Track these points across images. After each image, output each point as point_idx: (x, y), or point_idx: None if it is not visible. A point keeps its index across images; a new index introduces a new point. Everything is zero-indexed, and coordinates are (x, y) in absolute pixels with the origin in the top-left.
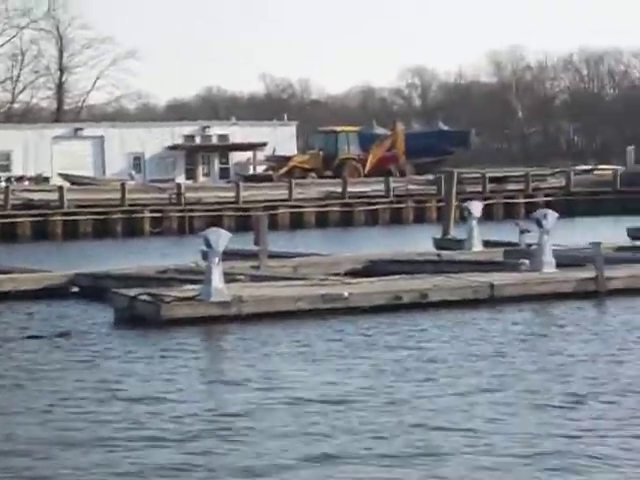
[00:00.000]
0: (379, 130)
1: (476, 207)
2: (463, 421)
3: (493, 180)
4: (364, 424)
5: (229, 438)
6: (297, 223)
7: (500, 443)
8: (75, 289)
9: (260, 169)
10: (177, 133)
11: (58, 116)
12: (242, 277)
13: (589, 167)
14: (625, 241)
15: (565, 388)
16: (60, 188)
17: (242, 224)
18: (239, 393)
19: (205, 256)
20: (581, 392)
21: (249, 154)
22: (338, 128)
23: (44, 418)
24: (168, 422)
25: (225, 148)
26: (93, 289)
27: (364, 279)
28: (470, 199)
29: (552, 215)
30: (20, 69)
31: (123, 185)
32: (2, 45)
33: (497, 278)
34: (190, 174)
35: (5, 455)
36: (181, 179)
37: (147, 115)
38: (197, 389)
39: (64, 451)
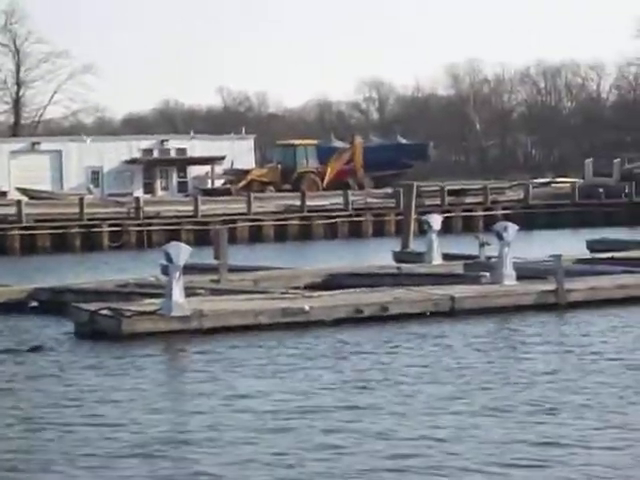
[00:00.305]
0: (337, 143)
1: (436, 220)
2: (427, 431)
3: (452, 193)
4: (327, 435)
5: (191, 450)
6: (256, 237)
7: (465, 452)
8: (34, 303)
9: (218, 183)
10: (135, 147)
11: (15, 130)
12: (202, 291)
13: (547, 180)
14: (584, 253)
15: (527, 399)
16: (18, 202)
17: (201, 238)
18: (200, 406)
19: (165, 270)
20: (543, 403)
21: (207, 168)
22: (296, 141)
23: (4, 435)
24: (130, 435)
25: (183, 162)
26: (52, 303)
27: (324, 292)
28: (429, 212)
29: (512, 227)
30: None
31: (81, 199)
32: None
33: (458, 291)
34: (148, 188)
35: None
36: (139, 193)
37: (104, 129)
38: (159, 403)
39: (26, 467)
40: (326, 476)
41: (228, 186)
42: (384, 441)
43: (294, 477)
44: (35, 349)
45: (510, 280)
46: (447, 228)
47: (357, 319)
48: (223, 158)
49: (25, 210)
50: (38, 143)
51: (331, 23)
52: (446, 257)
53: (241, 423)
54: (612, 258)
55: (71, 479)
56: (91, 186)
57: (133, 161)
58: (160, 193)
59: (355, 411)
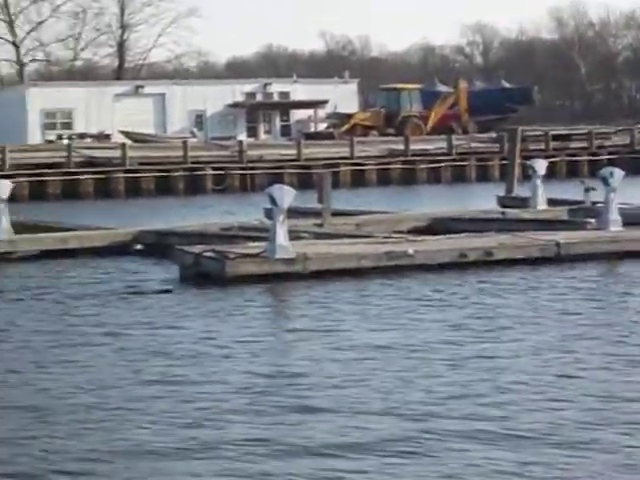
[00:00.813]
0: (441, 87)
1: (540, 165)
2: (530, 379)
3: (556, 138)
4: (427, 379)
5: (297, 390)
6: (359, 181)
7: (575, 398)
8: (139, 246)
9: (321, 127)
10: (238, 91)
11: (119, 74)
12: (306, 235)
13: None
14: None
15: (632, 350)
16: (122, 146)
17: (303, 182)
18: (302, 348)
19: (269, 213)
20: None
21: (310, 112)
22: (400, 85)
23: (118, 376)
24: (235, 376)
25: (286, 106)
26: (157, 246)
27: (428, 237)
28: (533, 157)
29: (618, 172)
30: (82, 27)
31: (185, 143)
32: (64, 3)
33: (563, 236)
34: (251, 132)
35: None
36: (242, 137)
37: (207, 73)
38: (262, 344)
39: (139, 407)
40: (431, 416)
41: (331, 130)
42: (488, 386)
43: (403, 417)
44: (165, 291)
45: (616, 226)
46: (551, 173)
47: (461, 264)
48: (326, 102)
49: (129, 153)
50: (142, 86)
51: None
52: (551, 202)
53: (346, 364)
54: None
55: (177, 419)
56: (195, 129)
57: (236, 105)
58: (263, 137)
59: (457, 355)
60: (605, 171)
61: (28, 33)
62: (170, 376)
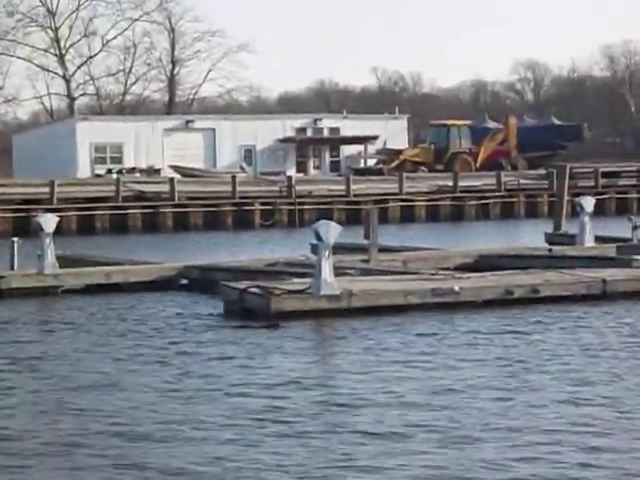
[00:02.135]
0: (491, 124)
1: (588, 202)
2: (564, 412)
3: (606, 175)
4: (469, 416)
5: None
6: (407, 217)
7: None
8: (184, 281)
9: (371, 162)
10: (288, 126)
11: (170, 108)
12: (352, 271)
13: None
14: None
15: None
16: (171, 180)
17: (352, 217)
18: (346, 383)
19: (315, 249)
20: None
21: (360, 147)
22: (450, 122)
23: (158, 413)
24: (282, 413)
25: (336, 141)
26: (202, 281)
27: (474, 274)
28: (582, 194)
29: None
30: (132, 61)
31: (234, 177)
32: (115, 37)
33: (610, 274)
34: (301, 167)
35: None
36: (292, 172)
37: (259, 108)
38: (306, 380)
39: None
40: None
41: (380, 166)
42: (530, 420)
43: (440, 443)
44: (271, 326)
45: None
46: (600, 210)
47: (507, 301)
48: (376, 138)
49: (178, 188)
50: (192, 121)
51: (488, 3)
52: (598, 240)
53: (388, 397)
54: None
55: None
56: (244, 164)
57: (286, 140)
58: (313, 172)
59: (501, 391)
60: None
61: (79, 67)
62: (211, 414)
